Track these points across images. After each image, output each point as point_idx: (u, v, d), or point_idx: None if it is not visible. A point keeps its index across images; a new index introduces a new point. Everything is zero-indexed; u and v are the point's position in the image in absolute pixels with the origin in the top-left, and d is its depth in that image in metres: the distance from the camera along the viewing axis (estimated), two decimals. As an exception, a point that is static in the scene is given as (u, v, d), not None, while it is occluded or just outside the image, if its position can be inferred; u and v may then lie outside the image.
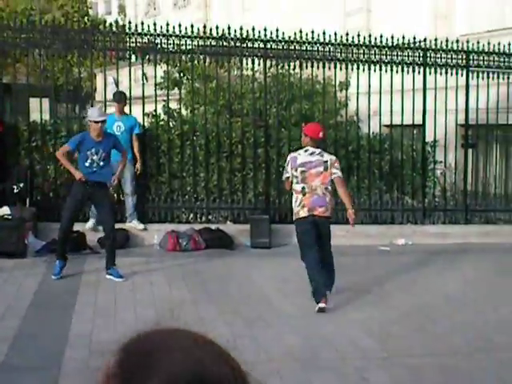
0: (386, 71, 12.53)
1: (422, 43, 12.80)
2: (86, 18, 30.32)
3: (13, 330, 6.79)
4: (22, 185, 11.22)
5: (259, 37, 12.06)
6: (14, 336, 6.63)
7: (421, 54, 12.77)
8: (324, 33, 12.10)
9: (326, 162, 8.16)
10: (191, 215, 12.06)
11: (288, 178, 8.26)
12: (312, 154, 8.19)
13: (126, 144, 10.63)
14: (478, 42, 12.94)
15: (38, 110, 11.94)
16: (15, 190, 11.17)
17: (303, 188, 8.10)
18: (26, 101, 12.55)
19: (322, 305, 7.65)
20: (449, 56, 12.87)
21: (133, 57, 12.00)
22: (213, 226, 11.62)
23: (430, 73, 12.78)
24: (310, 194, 8.06)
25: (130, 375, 1.00)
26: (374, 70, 12.47)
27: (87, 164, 8.92)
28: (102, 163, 8.94)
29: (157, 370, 0.98)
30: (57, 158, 9.62)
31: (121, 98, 11.40)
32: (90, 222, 11.07)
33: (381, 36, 12.45)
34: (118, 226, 9.81)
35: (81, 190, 8.93)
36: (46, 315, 7.41)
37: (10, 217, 10.62)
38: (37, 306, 7.77)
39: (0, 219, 10.49)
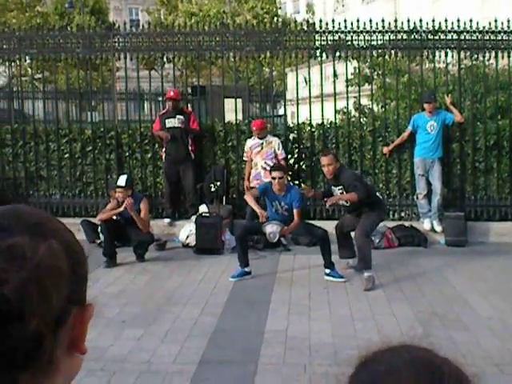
0: None
1: None
2: (275, 18, 30.85)
3: (211, 326, 7.02)
4: (218, 183, 11.59)
5: (452, 28, 11.70)
6: (212, 331, 6.84)
7: None
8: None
9: None
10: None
11: None
12: None
13: (440, 139, 11.28)
14: None
15: (233, 110, 12.30)
16: (212, 189, 11.57)
17: None
18: (221, 102, 12.96)
19: None
20: None
21: (323, 54, 12.03)
22: (406, 224, 11.45)
23: None
24: None
25: None
26: None
27: (273, 210, 9.10)
28: (286, 213, 9.02)
29: None
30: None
31: (431, 99, 11.33)
32: None
33: None
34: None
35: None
36: (242, 312, 7.60)
37: (207, 214, 11.01)
38: (233, 302, 7.99)
39: (198, 217, 10.90)
